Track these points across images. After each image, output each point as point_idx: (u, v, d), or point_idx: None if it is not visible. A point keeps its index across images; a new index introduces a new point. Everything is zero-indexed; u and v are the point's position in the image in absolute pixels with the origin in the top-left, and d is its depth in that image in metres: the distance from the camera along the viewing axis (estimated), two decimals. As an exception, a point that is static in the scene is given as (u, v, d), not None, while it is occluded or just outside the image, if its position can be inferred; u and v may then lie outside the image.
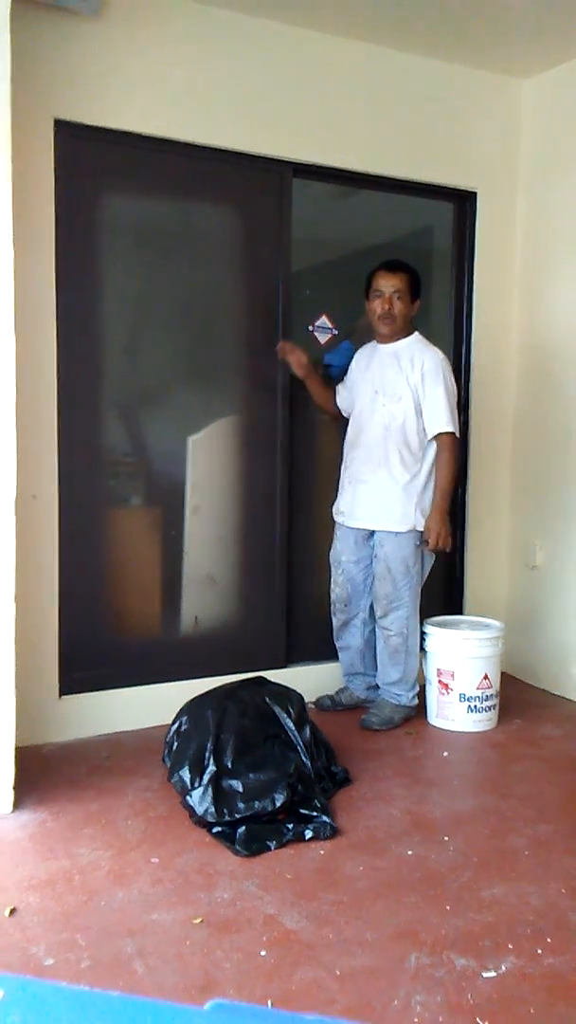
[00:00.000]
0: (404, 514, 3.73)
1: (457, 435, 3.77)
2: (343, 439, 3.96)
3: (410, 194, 4.23)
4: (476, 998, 2.05)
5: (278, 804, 2.79)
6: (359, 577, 3.88)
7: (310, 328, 4.05)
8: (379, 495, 3.76)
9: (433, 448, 3.76)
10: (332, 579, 3.95)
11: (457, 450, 3.80)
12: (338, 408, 3.98)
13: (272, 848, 2.70)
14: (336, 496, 3.95)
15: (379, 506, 3.76)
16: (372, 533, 3.82)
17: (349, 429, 3.90)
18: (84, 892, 2.47)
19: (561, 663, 4.25)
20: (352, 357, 3.98)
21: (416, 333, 3.81)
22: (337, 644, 4.01)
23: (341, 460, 3.95)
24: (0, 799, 2.93)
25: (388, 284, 3.71)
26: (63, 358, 3.48)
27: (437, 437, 3.73)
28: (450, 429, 3.71)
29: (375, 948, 2.24)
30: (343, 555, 3.90)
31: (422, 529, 3.75)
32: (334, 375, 4.05)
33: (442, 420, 3.70)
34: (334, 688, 4.06)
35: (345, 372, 3.99)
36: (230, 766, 2.90)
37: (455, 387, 3.80)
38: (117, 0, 3.47)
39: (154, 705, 3.67)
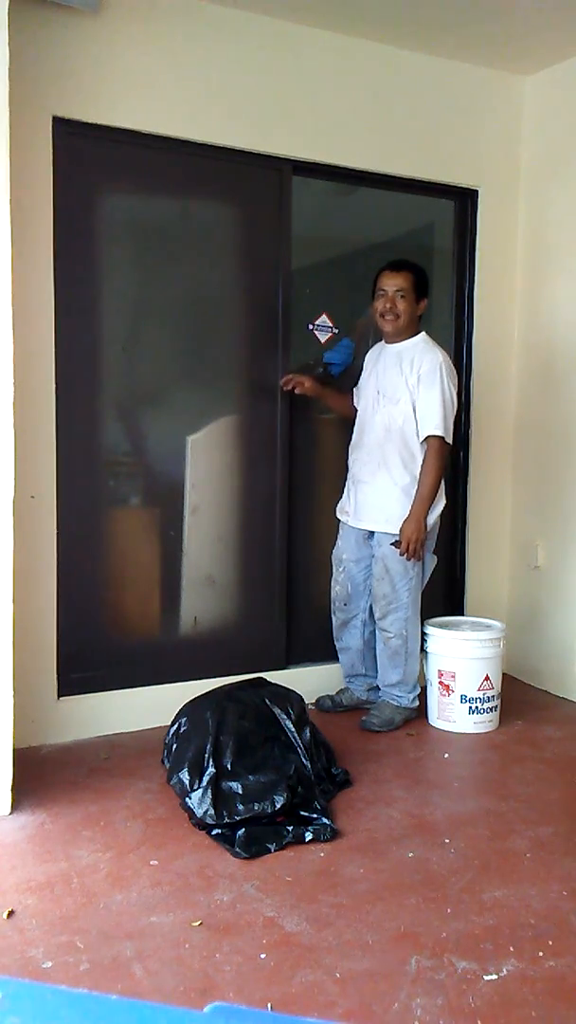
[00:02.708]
0: (403, 515, 3.70)
1: (447, 440, 3.66)
2: (344, 439, 3.94)
3: (411, 192, 4.22)
4: (477, 1001, 2.04)
5: (278, 806, 2.78)
6: (359, 577, 3.87)
7: (310, 327, 4.04)
8: (379, 496, 3.74)
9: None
10: (333, 577, 3.95)
11: (445, 456, 3.68)
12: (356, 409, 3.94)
13: (272, 850, 2.69)
14: (341, 495, 3.94)
15: (379, 507, 3.74)
16: (373, 534, 3.81)
17: (354, 430, 3.88)
18: (83, 894, 2.46)
19: (563, 664, 4.23)
20: (352, 354, 3.97)
21: (423, 334, 3.76)
22: (337, 645, 3.99)
23: (345, 460, 3.93)
24: (-2, 801, 2.92)
25: (391, 283, 3.69)
26: (61, 357, 3.47)
27: (426, 440, 3.65)
28: (438, 433, 3.61)
29: (375, 951, 2.22)
30: (344, 554, 3.89)
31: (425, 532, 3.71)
32: (334, 373, 4.03)
33: (431, 423, 3.62)
34: (334, 689, 4.04)
35: (345, 369, 3.97)
36: (229, 768, 2.88)
37: (454, 392, 3.69)
38: (116, -3, 3.47)
39: (153, 706, 3.66)
